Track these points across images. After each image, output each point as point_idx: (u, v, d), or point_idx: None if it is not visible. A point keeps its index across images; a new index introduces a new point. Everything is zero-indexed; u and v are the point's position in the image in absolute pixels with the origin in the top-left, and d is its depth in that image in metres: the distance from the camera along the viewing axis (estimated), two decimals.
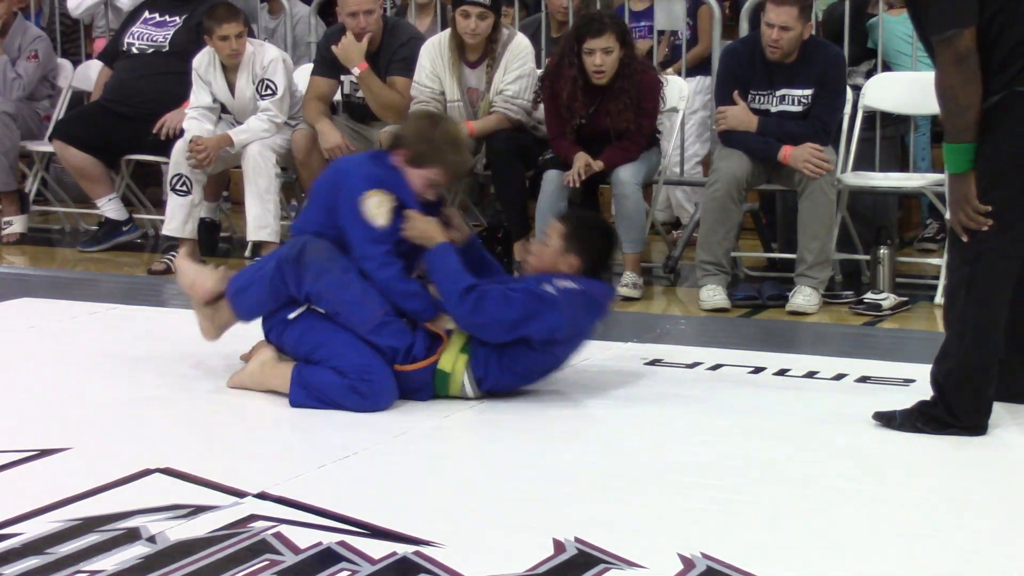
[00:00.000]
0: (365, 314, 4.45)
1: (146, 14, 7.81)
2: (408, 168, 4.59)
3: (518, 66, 6.62)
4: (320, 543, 3.23)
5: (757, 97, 6.32)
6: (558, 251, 4.59)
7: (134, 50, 7.71)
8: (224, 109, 7.21)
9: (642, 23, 7.71)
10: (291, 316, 4.54)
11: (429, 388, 4.49)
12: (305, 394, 4.44)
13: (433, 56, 6.68)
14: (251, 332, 5.09)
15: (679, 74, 7.29)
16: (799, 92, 6.25)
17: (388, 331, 4.45)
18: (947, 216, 6.21)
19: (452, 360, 4.46)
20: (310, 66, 7.33)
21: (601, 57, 6.21)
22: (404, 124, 4.71)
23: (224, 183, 7.89)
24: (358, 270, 4.50)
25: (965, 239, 4.04)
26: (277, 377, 4.52)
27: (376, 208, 4.49)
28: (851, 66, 6.91)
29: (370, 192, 4.51)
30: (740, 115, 6.25)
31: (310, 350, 4.49)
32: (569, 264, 4.57)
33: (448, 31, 6.74)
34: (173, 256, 7.10)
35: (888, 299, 6.11)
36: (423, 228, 4.52)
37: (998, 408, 4.17)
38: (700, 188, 6.87)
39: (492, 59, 6.63)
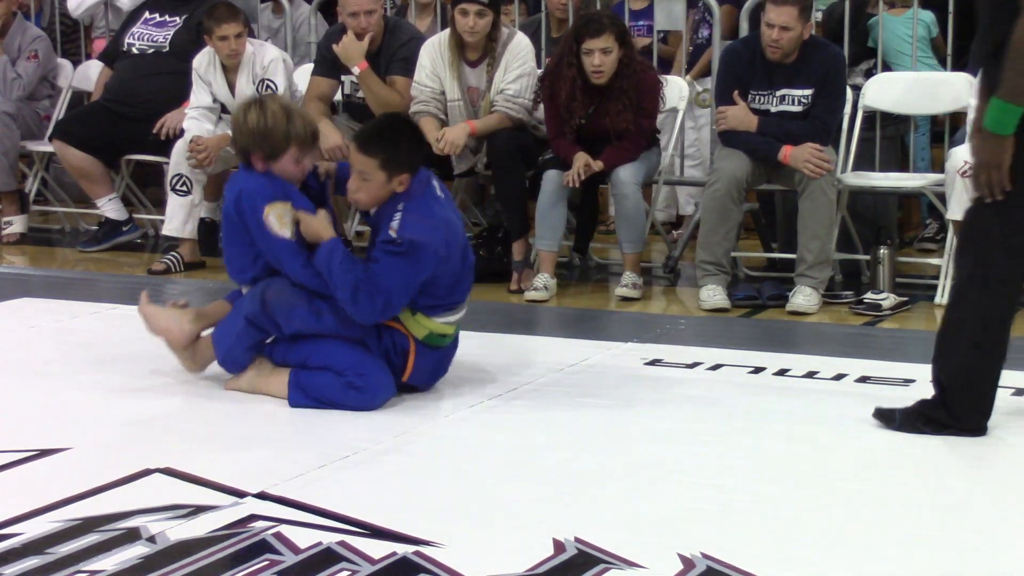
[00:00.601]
0: (351, 332, 4.47)
1: (146, 14, 7.81)
2: (272, 166, 4.54)
3: (519, 65, 6.62)
4: (320, 543, 3.23)
5: (757, 97, 6.32)
6: (383, 181, 4.43)
7: (134, 50, 7.71)
8: (224, 109, 7.21)
9: (641, 22, 7.72)
10: (268, 340, 4.58)
11: (442, 353, 4.55)
12: (303, 395, 4.45)
13: (433, 55, 6.68)
14: None
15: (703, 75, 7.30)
16: (799, 92, 6.25)
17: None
18: (947, 216, 6.23)
19: (417, 326, 4.48)
20: (310, 66, 7.33)
21: (600, 57, 6.21)
22: (234, 135, 4.68)
23: (224, 183, 7.88)
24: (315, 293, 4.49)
25: (986, 197, 3.88)
26: (273, 384, 4.52)
27: (279, 221, 4.46)
28: (850, 66, 6.91)
29: (267, 208, 4.47)
30: (740, 115, 6.25)
31: (306, 355, 4.50)
32: (400, 183, 4.44)
33: (448, 30, 6.74)
34: (174, 256, 7.11)
35: (888, 299, 6.12)
36: (312, 227, 4.47)
37: (998, 408, 4.17)
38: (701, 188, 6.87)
39: (492, 58, 6.63)
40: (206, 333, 4.69)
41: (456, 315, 4.58)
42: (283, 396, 4.47)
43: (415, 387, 4.56)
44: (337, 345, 4.46)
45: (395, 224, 4.36)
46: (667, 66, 7.66)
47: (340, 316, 4.44)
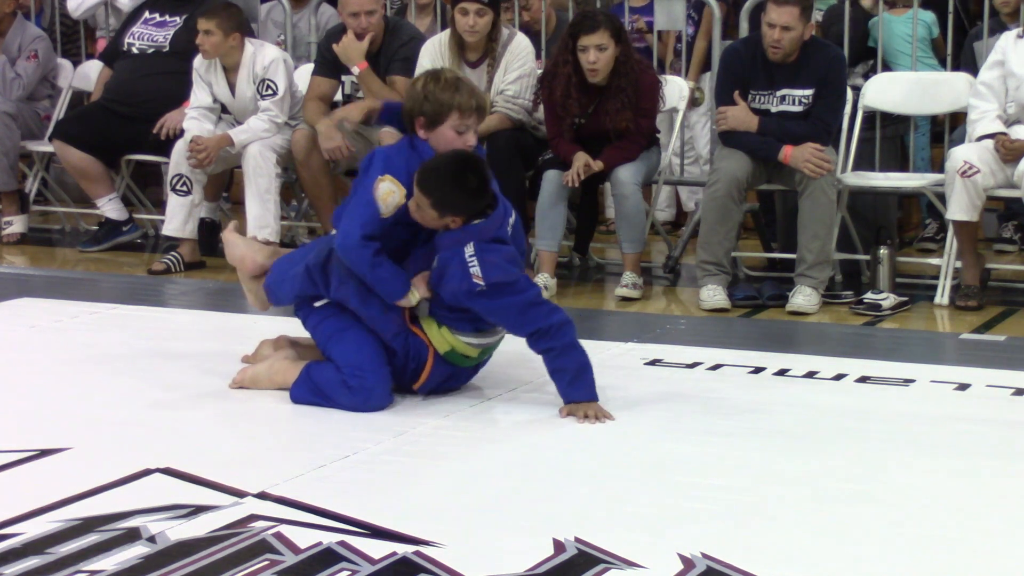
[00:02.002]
0: (385, 328, 4.45)
1: (146, 14, 7.81)
2: (430, 134, 4.48)
3: (519, 66, 6.62)
4: (320, 543, 3.23)
5: (758, 97, 6.32)
6: (435, 217, 4.37)
7: (134, 50, 7.71)
8: (224, 109, 7.22)
9: (646, 18, 7.72)
10: (317, 304, 4.57)
11: (458, 371, 4.53)
12: (306, 389, 4.45)
13: (433, 55, 6.68)
14: (254, 334, 5.11)
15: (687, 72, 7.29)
16: (800, 92, 6.24)
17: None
18: (947, 216, 6.23)
19: (440, 339, 4.45)
20: (311, 66, 7.33)
21: (595, 54, 6.21)
22: (404, 102, 4.66)
23: (224, 183, 7.89)
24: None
25: None
26: (287, 375, 4.55)
27: (384, 194, 4.35)
28: (850, 66, 6.91)
29: (382, 176, 4.38)
30: (741, 115, 6.25)
31: (325, 339, 4.51)
32: (453, 221, 4.37)
33: (448, 31, 6.75)
34: (174, 256, 7.11)
35: (888, 299, 6.12)
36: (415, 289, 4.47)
37: (998, 408, 4.17)
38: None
39: (492, 58, 6.63)
40: None
41: (485, 339, 4.50)
42: (287, 387, 4.51)
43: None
44: (354, 342, 4.44)
45: (476, 271, 4.30)
46: (659, 64, 7.66)
47: (385, 311, 4.42)
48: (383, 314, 4.44)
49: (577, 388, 4.35)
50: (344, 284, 4.45)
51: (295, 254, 4.77)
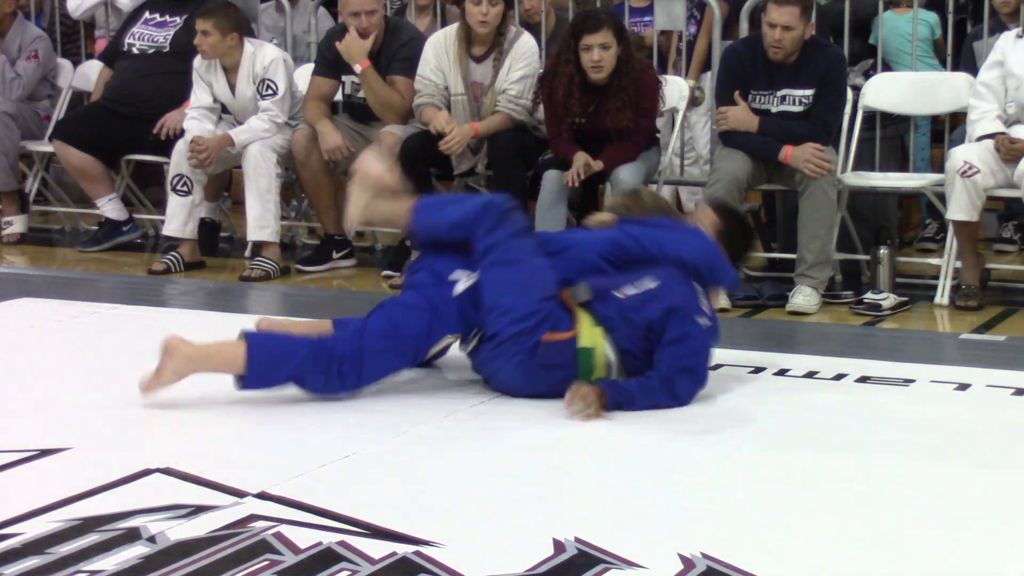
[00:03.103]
0: (543, 283, 4.45)
1: (146, 14, 7.82)
2: None
3: (523, 65, 6.62)
4: (320, 543, 3.23)
5: (758, 97, 6.32)
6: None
7: (135, 50, 7.72)
8: (225, 109, 7.22)
9: (647, 18, 7.72)
10: (456, 292, 4.49)
11: (572, 366, 4.42)
12: (261, 365, 4.39)
13: (438, 50, 6.68)
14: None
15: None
16: (800, 92, 6.25)
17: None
18: (947, 216, 6.23)
19: (589, 334, 4.42)
20: (311, 66, 7.34)
21: (599, 53, 6.21)
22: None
23: (224, 183, 7.89)
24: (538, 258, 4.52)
25: None
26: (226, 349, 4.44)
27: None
28: (849, 65, 6.91)
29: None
30: (741, 115, 6.25)
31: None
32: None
33: (453, 25, 6.75)
34: (174, 256, 7.11)
35: (888, 299, 6.12)
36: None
37: (997, 408, 4.17)
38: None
39: (499, 52, 6.63)
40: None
41: (612, 370, 4.48)
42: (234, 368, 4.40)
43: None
44: (387, 354, 4.44)
45: (706, 310, 4.46)
46: (662, 63, 7.67)
47: (527, 276, 4.45)
48: (546, 271, 4.46)
49: (621, 393, 4.33)
50: (497, 231, 4.47)
51: (466, 196, 4.81)
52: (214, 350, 4.42)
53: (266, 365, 4.37)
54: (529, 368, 4.41)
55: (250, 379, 4.38)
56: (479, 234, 4.50)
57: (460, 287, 4.48)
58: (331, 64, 6.98)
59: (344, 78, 7.04)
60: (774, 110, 6.30)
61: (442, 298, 4.46)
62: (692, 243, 4.65)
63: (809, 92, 6.24)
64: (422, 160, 6.62)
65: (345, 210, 4.78)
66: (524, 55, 6.65)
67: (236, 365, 4.37)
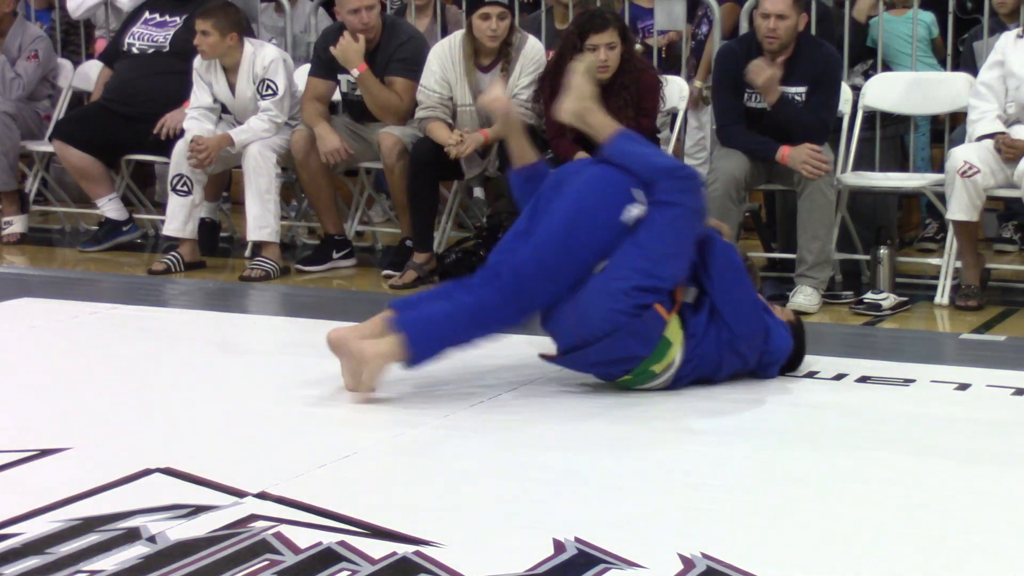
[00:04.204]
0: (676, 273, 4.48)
1: (146, 14, 7.82)
2: None
3: (533, 69, 6.62)
4: (320, 543, 3.23)
5: (755, 96, 6.32)
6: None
7: (134, 50, 7.72)
8: (224, 109, 7.22)
9: (650, 22, 7.73)
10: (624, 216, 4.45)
11: (647, 348, 4.42)
12: (423, 345, 4.41)
13: (444, 61, 6.67)
14: (254, 334, 5.10)
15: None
16: (794, 90, 6.25)
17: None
18: (947, 216, 6.23)
19: (675, 331, 4.45)
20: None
21: (605, 52, 6.21)
22: None
23: (224, 183, 7.89)
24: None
25: None
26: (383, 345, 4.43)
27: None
28: (849, 67, 6.90)
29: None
30: (769, 78, 6.16)
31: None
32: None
33: (457, 35, 6.74)
34: (174, 256, 7.11)
35: (888, 299, 6.12)
36: None
37: (997, 408, 4.17)
38: None
39: (507, 63, 6.63)
40: None
41: (669, 371, 4.53)
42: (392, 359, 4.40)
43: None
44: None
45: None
46: (671, 63, 7.67)
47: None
48: (689, 257, 4.48)
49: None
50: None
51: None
52: (384, 346, 4.41)
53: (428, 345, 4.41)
54: (618, 323, 4.38)
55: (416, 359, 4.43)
56: (670, 185, 4.45)
57: (631, 214, 4.45)
58: (327, 64, 6.97)
59: (340, 77, 7.03)
60: (769, 108, 6.29)
61: (609, 212, 4.45)
62: (784, 338, 4.73)
63: (802, 90, 6.23)
64: (432, 165, 6.62)
65: (563, 98, 4.75)
66: (533, 59, 6.64)
67: (400, 354, 4.41)
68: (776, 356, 4.69)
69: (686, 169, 4.68)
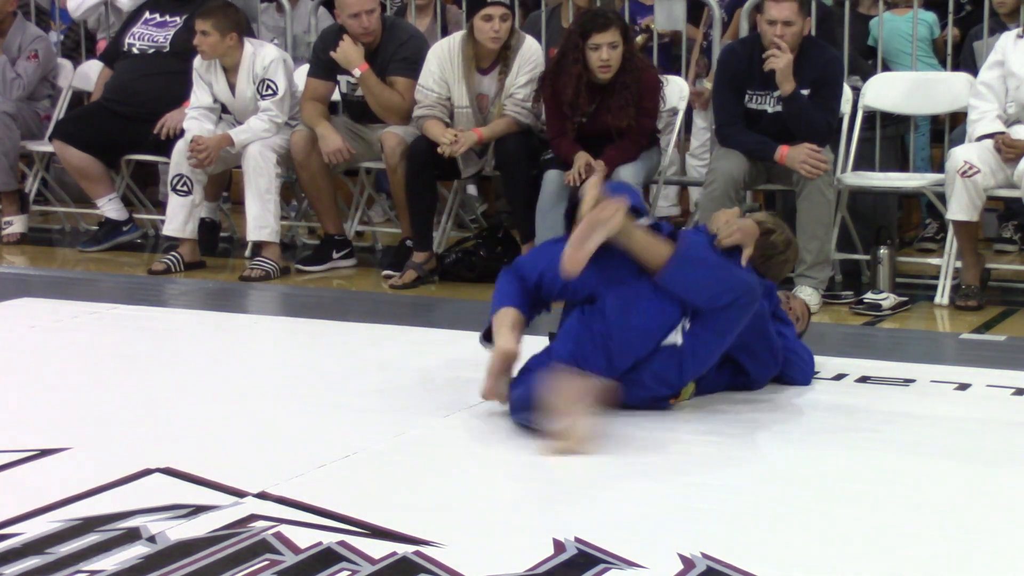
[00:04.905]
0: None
1: (147, 14, 7.82)
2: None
3: (529, 69, 6.62)
4: (320, 543, 3.23)
5: (755, 97, 6.32)
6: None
7: (135, 50, 7.72)
8: (225, 109, 7.22)
9: (648, 16, 7.73)
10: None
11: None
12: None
13: (443, 61, 6.67)
14: (254, 334, 5.08)
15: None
16: None
17: None
18: (947, 216, 6.23)
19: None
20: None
21: (608, 52, 6.22)
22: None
23: (224, 183, 7.89)
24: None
25: None
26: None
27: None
28: (849, 73, 6.88)
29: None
30: (785, 68, 6.14)
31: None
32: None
33: (457, 35, 6.74)
34: (174, 256, 7.11)
35: (888, 299, 6.12)
36: None
37: (997, 408, 4.17)
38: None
39: (505, 63, 6.63)
40: None
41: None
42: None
43: None
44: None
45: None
46: (676, 62, 7.67)
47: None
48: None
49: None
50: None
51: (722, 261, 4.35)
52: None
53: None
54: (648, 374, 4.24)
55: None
56: (734, 316, 4.20)
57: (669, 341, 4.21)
58: (326, 65, 6.97)
59: (340, 77, 7.03)
60: (770, 110, 6.29)
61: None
62: (806, 369, 4.70)
63: (805, 92, 6.23)
64: (429, 163, 6.62)
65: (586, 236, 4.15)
66: (530, 59, 6.64)
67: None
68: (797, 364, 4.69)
69: (745, 296, 4.22)
